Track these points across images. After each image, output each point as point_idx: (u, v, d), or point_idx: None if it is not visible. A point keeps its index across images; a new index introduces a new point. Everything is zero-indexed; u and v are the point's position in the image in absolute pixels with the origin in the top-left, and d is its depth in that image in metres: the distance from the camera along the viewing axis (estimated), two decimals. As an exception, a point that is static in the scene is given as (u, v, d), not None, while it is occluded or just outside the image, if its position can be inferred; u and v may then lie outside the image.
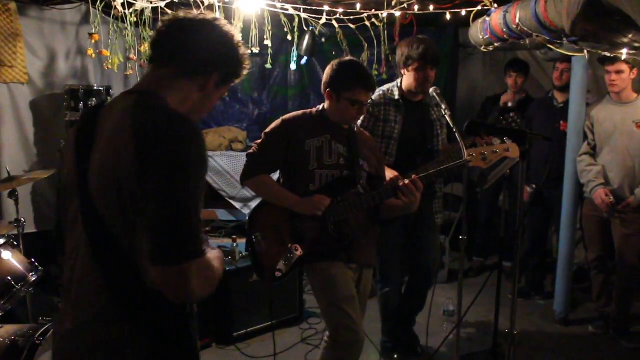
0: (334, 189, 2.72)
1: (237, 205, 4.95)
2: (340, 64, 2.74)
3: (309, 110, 2.89)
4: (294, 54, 4.73)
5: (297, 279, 4.13)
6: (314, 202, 2.66)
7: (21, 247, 3.31)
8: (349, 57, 2.87)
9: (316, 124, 2.79)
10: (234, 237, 4.20)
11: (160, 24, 1.55)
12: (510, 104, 5.06)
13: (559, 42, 3.80)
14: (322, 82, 2.79)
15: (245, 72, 1.64)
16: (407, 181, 2.62)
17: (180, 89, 1.51)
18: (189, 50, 1.50)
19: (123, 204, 1.36)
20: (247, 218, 2.94)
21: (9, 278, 2.95)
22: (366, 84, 2.69)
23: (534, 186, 4.64)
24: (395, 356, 3.70)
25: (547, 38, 3.64)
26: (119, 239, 1.39)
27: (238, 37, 1.59)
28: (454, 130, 3.18)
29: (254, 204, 4.75)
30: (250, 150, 2.85)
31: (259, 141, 2.85)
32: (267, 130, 2.84)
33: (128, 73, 4.58)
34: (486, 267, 5.51)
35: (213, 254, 1.51)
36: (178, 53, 1.50)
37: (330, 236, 2.67)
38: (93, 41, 4.14)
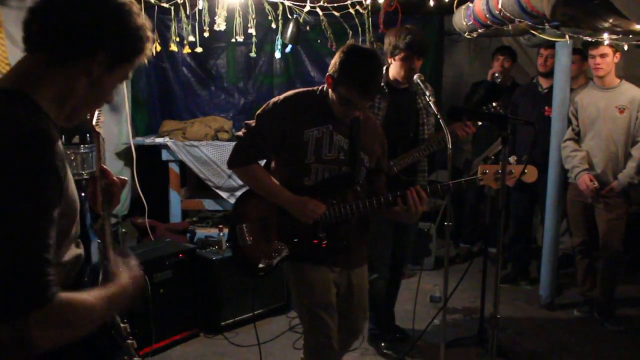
0: (331, 187, 2.51)
1: (224, 194, 4.93)
2: (349, 54, 2.38)
3: (312, 90, 2.56)
4: (279, 42, 4.70)
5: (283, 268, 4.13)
6: (307, 208, 2.44)
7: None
8: (366, 47, 2.52)
9: (318, 110, 2.48)
10: (221, 226, 4.19)
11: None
12: (497, 75, 5.06)
13: (541, 27, 3.82)
14: (330, 65, 2.45)
15: (147, 47, 1.34)
16: (412, 192, 2.46)
17: (57, 79, 1.24)
18: (60, 27, 1.21)
19: None
20: (232, 207, 2.77)
21: None
22: (364, 88, 2.35)
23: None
24: (382, 344, 3.71)
25: (530, 23, 3.65)
26: None
27: (131, 5, 1.29)
28: (439, 117, 3.19)
29: (240, 193, 4.75)
30: (240, 133, 2.56)
31: (251, 123, 2.53)
32: (261, 112, 2.52)
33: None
34: (473, 253, 5.54)
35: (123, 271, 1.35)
36: (48, 33, 1.22)
37: (319, 239, 2.50)
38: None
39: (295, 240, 2.54)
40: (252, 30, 4.18)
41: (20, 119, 1.14)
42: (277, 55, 4.84)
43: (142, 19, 1.31)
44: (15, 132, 1.11)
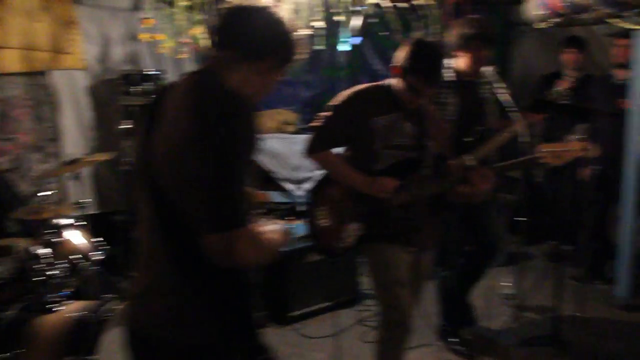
0: (400, 171, 2.68)
1: (290, 187, 4.95)
2: (418, 46, 2.62)
3: (379, 84, 2.80)
4: (343, 35, 4.69)
5: (352, 260, 4.13)
6: (380, 185, 2.64)
7: (85, 227, 3.39)
8: (430, 40, 2.76)
9: (386, 100, 2.71)
10: (287, 218, 4.20)
11: (221, 11, 1.67)
12: (564, 91, 4.91)
13: (621, 15, 3.67)
14: (395, 57, 2.67)
15: (297, 56, 1.71)
16: (476, 170, 2.60)
17: (239, 71, 1.61)
18: (246, 36, 1.61)
19: (182, 177, 1.47)
20: (309, 192, 2.99)
21: (76, 257, 3.05)
22: (431, 77, 2.60)
23: (595, 167, 4.50)
24: (454, 340, 3.65)
25: (610, 11, 3.52)
26: (181, 212, 1.49)
27: (291, 23, 1.68)
28: (509, 109, 3.12)
29: (306, 186, 4.77)
30: (316, 123, 2.80)
31: (326, 114, 2.78)
32: (334, 103, 2.77)
33: (180, 57, 4.62)
34: (546, 250, 5.38)
35: (270, 228, 1.66)
36: (236, 39, 1.61)
37: (392, 219, 2.68)
38: (147, 26, 4.19)
39: (369, 218, 2.70)
40: (318, 23, 4.18)
41: (230, 92, 1.55)
42: (342, 48, 4.83)
43: (297, 34, 1.68)
44: (231, 100, 1.50)
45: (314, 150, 2.77)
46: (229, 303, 1.58)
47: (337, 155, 2.80)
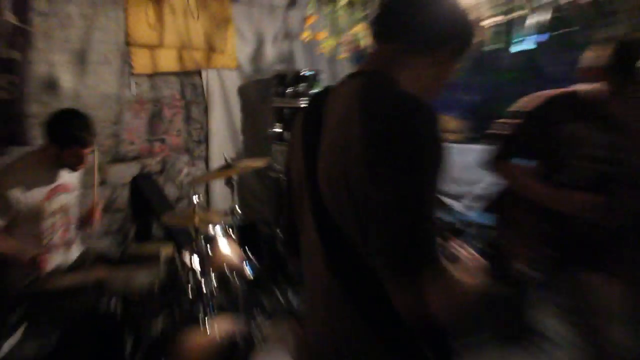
0: (592, 187, 2.36)
1: (452, 203, 4.58)
2: (625, 45, 2.32)
3: (568, 90, 2.52)
4: (516, 35, 4.25)
5: (526, 291, 3.69)
6: (576, 201, 2.36)
7: (235, 238, 3.22)
8: (631, 39, 2.41)
9: (577, 107, 2.43)
10: (449, 238, 3.83)
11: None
12: None
13: None
14: (585, 59, 2.43)
15: (478, 40, 1.48)
16: None
17: (412, 65, 1.39)
18: (418, 24, 1.39)
19: (353, 199, 1.23)
20: (486, 207, 2.74)
21: (225, 269, 2.92)
22: (630, 81, 2.28)
23: None
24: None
25: None
26: (350, 237, 1.26)
27: (467, 3, 1.45)
28: None
29: (468, 202, 4.36)
30: (498, 131, 2.58)
31: (506, 121, 2.57)
32: (521, 109, 2.54)
33: (340, 57, 4.40)
34: None
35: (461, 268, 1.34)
36: (406, 28, 1.40)
37: (590, 242, 2.36)
38: (309, 24, 4.05)
39: (561, 240, 2.43)
40: (493, 19, 3.81)
41: (407, 94, 1.26)
42: (515, 49, 4.41)
43: (475, 16, 1.45)
44: (411, 104, 1.22)
45: (497, 161, 2.59)
46: (404, 338, 1.29)
47: (523, 167, 2.58)
